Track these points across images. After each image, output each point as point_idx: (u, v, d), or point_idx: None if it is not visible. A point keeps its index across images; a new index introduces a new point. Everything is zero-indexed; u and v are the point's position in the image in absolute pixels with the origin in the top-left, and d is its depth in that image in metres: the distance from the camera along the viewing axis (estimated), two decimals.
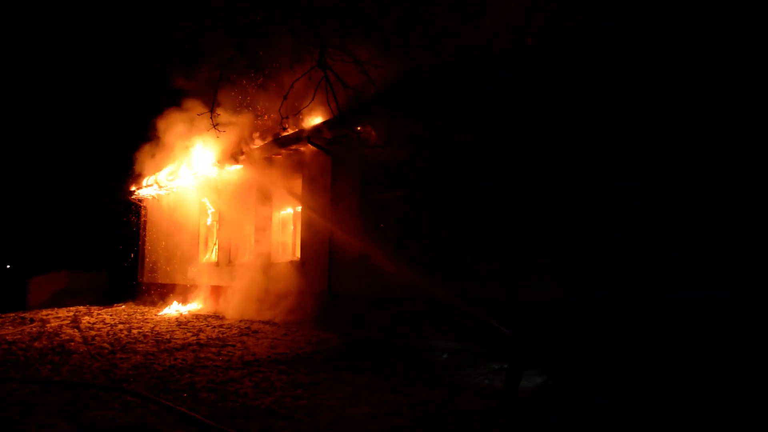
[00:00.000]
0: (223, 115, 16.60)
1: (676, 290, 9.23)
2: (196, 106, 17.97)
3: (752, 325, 8.42)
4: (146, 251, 25.49)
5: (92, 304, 22.46)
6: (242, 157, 18.08)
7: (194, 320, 17.12)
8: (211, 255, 21.91)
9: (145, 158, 22.56)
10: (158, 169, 22.77)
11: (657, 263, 9.49)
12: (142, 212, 26.02)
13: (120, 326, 15.61)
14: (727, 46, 8.92)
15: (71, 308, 20.70)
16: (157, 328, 15.14)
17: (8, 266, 31.36)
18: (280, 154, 17.25)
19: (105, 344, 12.66)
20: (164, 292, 22.96)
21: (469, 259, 12.52)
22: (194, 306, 20.41)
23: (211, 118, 13.84)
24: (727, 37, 8.91)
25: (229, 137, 17.53)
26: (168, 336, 13.77)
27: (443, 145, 13.15)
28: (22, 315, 18.63)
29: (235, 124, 17.75)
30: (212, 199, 21.07)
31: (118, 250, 27.19)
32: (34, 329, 15.09)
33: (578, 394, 7.75)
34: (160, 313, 19.32)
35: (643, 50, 9.78)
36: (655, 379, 8.37)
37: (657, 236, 9.56)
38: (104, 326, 15.63)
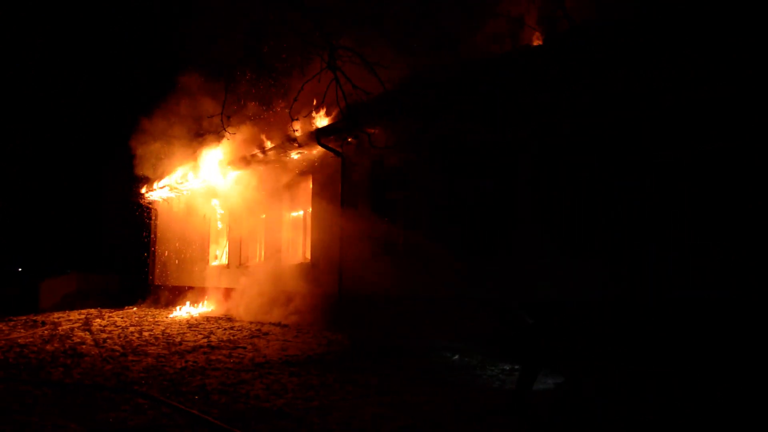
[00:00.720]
0: (233, 118, 16.64)
1: (676, 290, 9.20)
2: (206, 109, 18.05)
3: (752, 325, 8.39)
4: (157, 253, 25.58)
5: (103, 306, 22.54)
6: (252, 160, 18.13)
7: (205, 322, 17.16)
8: (222, 257, 21.97)
9: (155, 161, 22.64)
10: (169, 171, 22.85)
11: (657, 263, 9.47)
12: (153, 214, 26.11)
13: (131, 329, 15.66)
14: (727, 46, 8.89)
15: (82, 311, 20.79)
16: (168, 331, 15.17)
17: (20, 269, 31.51)
18: (290, 156, 17.28)
19: (116, 347, 12.70)
20: (175, 294, 23.03)
21: (478, 259, 12.51)
22: (205, 308, 20.47)
23: (221, 120, 13.89)
24: (727, 37, 8.88)
25: (239, 140, 17.59)
26: (179, 338, 13.80)
27: (453, 145, 13.16)
28: (34, 318, 18.70)
29: (246, 126, 17.81)
30: (223, 201, 21.14)
31: (129, 253, 27.32)
32: (46, 332, 15.15)
33: (580, 395, 7.75)
34: (171, 316, 19.37)
35: (643, 50, 9.76)
36: (655, 379, 8.35)
37: (657, 236, 9.53)
38: (115, 329, 15.68)
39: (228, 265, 20.90)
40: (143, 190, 25.09)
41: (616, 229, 10.09)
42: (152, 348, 12.54)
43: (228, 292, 19.71)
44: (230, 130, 14.80)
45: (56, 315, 19.60)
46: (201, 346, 12.64)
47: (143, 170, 23.60)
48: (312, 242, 17.06)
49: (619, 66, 10.10)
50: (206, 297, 20.89)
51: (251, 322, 16.56)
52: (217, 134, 16.89)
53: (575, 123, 10.77)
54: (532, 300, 8.45)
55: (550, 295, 10.59)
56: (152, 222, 26.19)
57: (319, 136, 15.51)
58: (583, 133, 10.68)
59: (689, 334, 8.89)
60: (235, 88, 16.48)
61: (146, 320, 17.97)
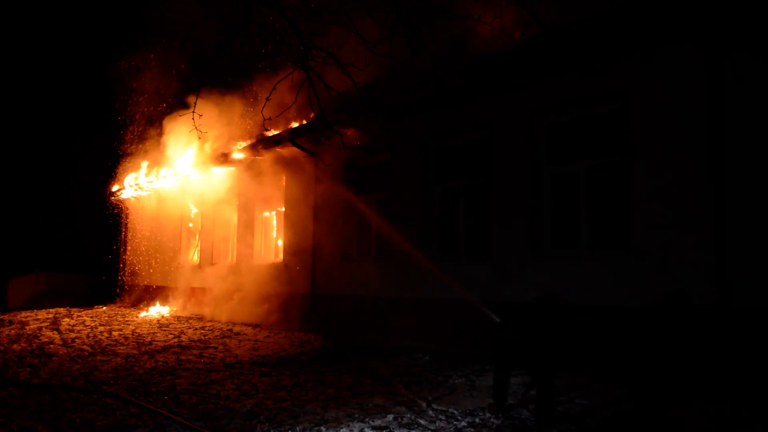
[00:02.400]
0: (205, 117, 16.47)
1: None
2: (177, 107, 17.92)
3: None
4: (128, 253, 25.38)
5: (72, 305, 22.29)
6: (224, 159, 18.04)
7: (176, 322, 17.04)
8: (193, 257, 21.83)
9: (126, 159, 22.47)
10: (140, 170, 22.68)
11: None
12: (124, 214, 25.92)
13: (100, 328, 15.50)
14: None
15: (51, 310, 20.55)
16: (138, 330, 15.05)
17: None
18: (262, 156, 17.22)
19: (85, 346, 12.55)
20: (146, 293, 22.86)
21: (453, 259, 12.56)
22: (176, 308, 20.33)
23: (192, 119, 13.76)
24: None
25: (211, 138, 17.49)
26: (149, 338, 13.69)
27: (427, 145, 13.21)
28: (1, 317, 18.43)
29: (218, 125, 17.71)
30: (194, 200, 21.01)
31: (100, 252, 27.06)
32: (13, 331, 14.94)
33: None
34: (142, 315, 19.21)
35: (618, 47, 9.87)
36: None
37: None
38: (84, 328, 15.51)
39: (200, 265, 20.78)
40: (114, 189, 24.88)
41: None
42: (122, 348, 12.42)
43: (199, 292, 19.60)
44: (202, 128, 14.64)
45: (24, 314, 19.35)
46: (171, 346, 12.55)
47: (114, 169, 23.42)
48: (284, 242, 17.02)
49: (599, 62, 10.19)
50: (177, 297, 20.74)
51: (223, 322, 16.49)
52: (189, 133, 16.76)
53: (559, 120, 10.94)
54: (518, 300, 8.45)
55: (534, 295, 10.63)
56: (123, 221, 25.98)
57: (292, 135, 15.47)
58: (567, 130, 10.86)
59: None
60: (207, 86, 16.38)
61: (116, 320, 17.80)
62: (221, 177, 18.96)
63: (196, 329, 15.15)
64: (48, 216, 31.48)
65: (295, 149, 15.81)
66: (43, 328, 15.44)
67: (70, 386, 8.89)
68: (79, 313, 19.46)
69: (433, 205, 13.21)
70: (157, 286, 22.42)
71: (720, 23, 8.74)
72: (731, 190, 8.50)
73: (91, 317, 18.38)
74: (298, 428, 6.63)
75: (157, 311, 20.10)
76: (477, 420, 6.94)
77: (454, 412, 7.28)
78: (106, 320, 17.61)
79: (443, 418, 7.04)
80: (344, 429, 6.59)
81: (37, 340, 13.39)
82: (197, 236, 21.75)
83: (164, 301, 21.10)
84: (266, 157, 17.16)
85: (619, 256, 9.73)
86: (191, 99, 14.11)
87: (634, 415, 7.09)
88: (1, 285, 25.43)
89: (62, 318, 17.89)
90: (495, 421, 6.89)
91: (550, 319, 7.08)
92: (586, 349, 9.51)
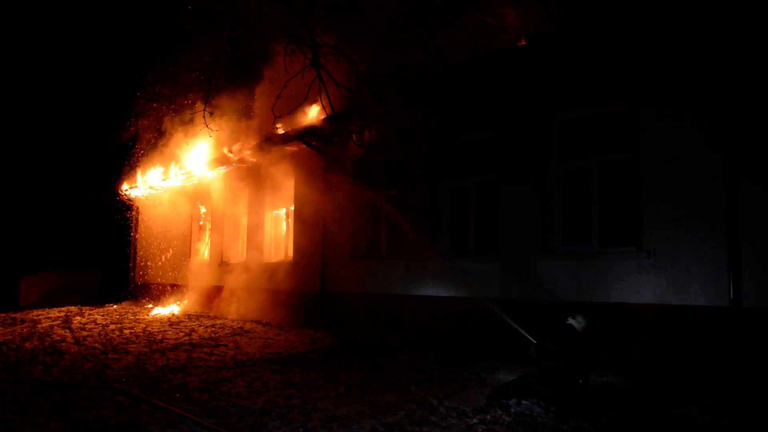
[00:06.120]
0: (215, 115, 16.53)
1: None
2: (188, 106, 17.97)
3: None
4: (138, 251, 25.45)
5: (84, 304, 22.38)
6: (234, 157, 18.06)
7: (186, 320, 17.07)
8: (204, 254, 21.88)
9: (137, 158, 22.54)
10: (151, 168, 22.75)
11: None
12: (135, 212, 25.99)
13: (112, 326, 15.55)
14: None
15: (62, 308, 20.62)
16: (149, 328, 15.09)
17: None
18: (272, 154, 17.23)
19: (97, 344, 12.60)
20: (156, 291, 22.92)
21: (463, 257, 12.53)
22: (186, 305, 20.37)
23: (203, 117, 13.79)
24: None
25: (221, 137, 17.51)
26: (160, 336, 13.72)
27: (437, 143, 13.18)
28: (13, 315, 18.51)
29: (228, 123, 17.74)
30: (205, 198, 21.06)
31: (110, 250, 27.16)
32: (25, 330, 15.00)
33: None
34: (152, 313, 19.26)
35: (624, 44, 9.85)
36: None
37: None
38: (96, 326, 15.56)
39: (210, 263, 20.82)
40: (125, 187, 24.97)
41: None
42: (133, 346, 12.45)
43: (210, 290, 19.64)
44: (213, 127, 14.71)
45: (36, 312, 19.43)
46: (182, 344, 12.57)
47: (125, 167, 23.49)
48: (294, 240, 17.03)
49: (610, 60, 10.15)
50: (188, 294, 20.79)
51: (233, 320, 16.50)
52: (200, 131, 16.81)
53: (569, 118, 10.92)
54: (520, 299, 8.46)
55: (544, 293, 10.62)
56: (134, 219, 26.06)
57: (302, 134, 15.48)
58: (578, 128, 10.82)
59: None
60: (218, 84, 16.41)
61: (127, 318, 17.85)
62: (231, 175, 18.98)
63: (206, 327, 15.17)
64: (59, 215, 31.58)
65: (305, 147, 15.82)
66: (55, 327, 15.50)
67: (82, 384, 8.91)
68: (91, 312, 19.53)
69: (442, 202, 13.19)
70: (168, 284, 22.48)
71: (729, 19, 8.70)
72: (744, 186, 8.46)
73: (103, 315, 18.44)
74: (309, 425, 6.63)
75: (168, 309, 20.14)
76: (488, 417, 6.92)
77: (465, 409, 7.26)
78: (118, 318, 17.67)
79: (454, 415, 7.03)
80: (355, 426, 6.59)
81: (49, 338, 13.44)
82: (208, 234, 21.80)
83: (175, 299, 21.15)
84: (276, 155, 17.18)
85: (631, 253, 9.69)
86: (202, 97, 14.15)
87: (644, 411, 7.07)
88: (13, 283, 25.50)
89: (74, 316, 17.95)
90: (507, 419, 6.87)
91: (578, 343, 7.11)
92: (595, 348, 9.48)
